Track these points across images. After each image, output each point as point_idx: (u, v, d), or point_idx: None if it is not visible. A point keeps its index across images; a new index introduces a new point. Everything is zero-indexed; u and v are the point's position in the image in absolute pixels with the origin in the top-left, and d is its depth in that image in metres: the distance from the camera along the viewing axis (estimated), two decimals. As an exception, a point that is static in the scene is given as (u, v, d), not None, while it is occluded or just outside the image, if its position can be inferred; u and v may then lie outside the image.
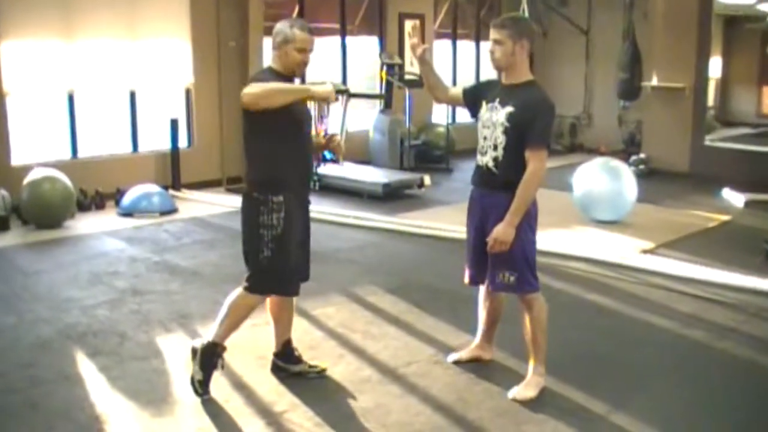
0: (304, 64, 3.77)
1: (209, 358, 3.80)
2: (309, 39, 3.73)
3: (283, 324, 4.05)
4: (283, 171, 3.70)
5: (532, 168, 3.64)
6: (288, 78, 3.75)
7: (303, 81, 3.93)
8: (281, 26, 3.73)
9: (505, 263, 3.74)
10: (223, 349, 3.84)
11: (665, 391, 3.97)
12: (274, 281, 3.78)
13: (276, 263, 3.72)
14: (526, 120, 3.64)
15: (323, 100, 3.79)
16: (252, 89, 3.53)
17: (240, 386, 3.93)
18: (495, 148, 3.74)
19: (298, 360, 4.09)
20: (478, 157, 3.84)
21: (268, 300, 3.99)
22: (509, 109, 3.68)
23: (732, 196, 8.75)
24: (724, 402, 3.89)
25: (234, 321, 3.85)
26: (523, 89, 3.73)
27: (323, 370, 4.09)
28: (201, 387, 3.78)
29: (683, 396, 3.94)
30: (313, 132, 4.15)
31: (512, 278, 3.75)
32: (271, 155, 3.69)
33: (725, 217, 7.86)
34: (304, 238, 3.89)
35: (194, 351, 3.83)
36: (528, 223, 3.75)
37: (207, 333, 3.96)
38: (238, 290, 3.83)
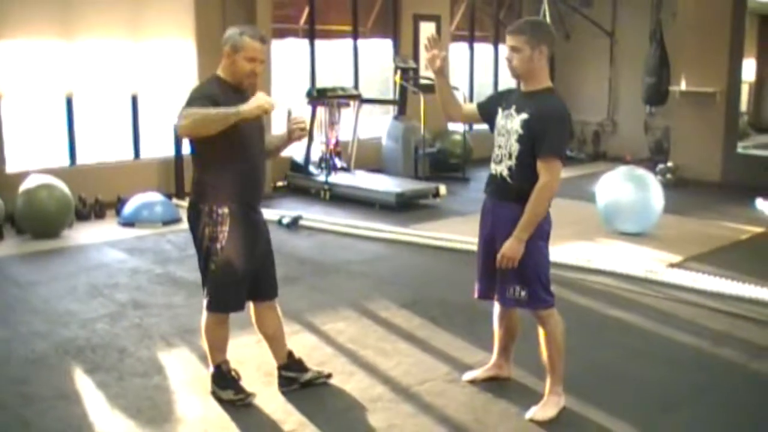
0: (254, 74, 3.71)
1: (224, 378, 3.96)
2: (260, 48, 3.69)
3: (276, 338, 4.11)
4: (229, 181, 3.70)
5: (543, 180, 3.63)
6: (236, 88, 3.71)
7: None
8: (231, 33, 3.71)
9: (515, 278, 3.74)
10: (226, 363, 3.98)
11: (695, 414, 3.95)
12: (223, 295, 3.82)
13: (221, 278, 3.77)
14: (539, 128, 3.64)
15: (257, 117, 3.60)
16: (185, 120, 3.48)
17: (246, 404, 3.93)
18: (510, 156, 3.74)
19: (306, 368, 4.15)
20: (492, 165, 3.85)
21: (253, 319, 4.07)
22: (524, 116, 3.69)
23: (766, 206, 8.71)
24: (760, 425, 3.86)
25: (215, 343, 3.96)
26: (539, 97, 3.73)
27: (330, 375, 4.20)
28: (241, 396, 3.92)
29: (714, 420, 3.91)
30: (323, 137, 4.13)
31: (523, 293, 3.75)
32: (216, 165, 3.70)
33: (759, 229, 7.82)
34: (258, 250, 3.86)
35: (214, 394, 3.98)
36: (540, 237, 3.75)
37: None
38: (204, 311, 3.92)
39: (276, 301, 4.08)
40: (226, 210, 3.70)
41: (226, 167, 3.69)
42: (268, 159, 4.02)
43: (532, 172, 3.66)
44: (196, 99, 3.61)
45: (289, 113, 3.89)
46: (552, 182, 3.64)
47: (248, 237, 3.79)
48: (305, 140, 8.33)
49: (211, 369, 4.01)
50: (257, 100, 3.54)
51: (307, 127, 4.00)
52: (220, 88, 3.68)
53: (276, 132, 4.17)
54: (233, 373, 4.01)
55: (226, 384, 3.96)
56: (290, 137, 3.93)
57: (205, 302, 3.88)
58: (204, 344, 4.02)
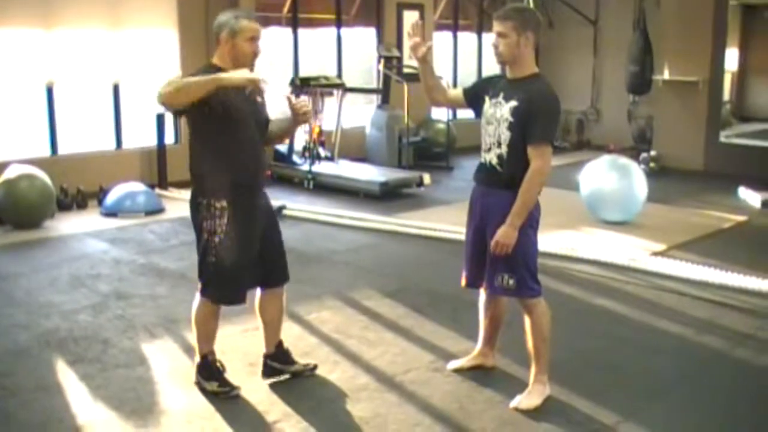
0: (255, 54, 3.73)
1: (208, 368, 3.95)
2: (258, 27, 3.72)
3: (273, 325, 4.10)
4: (226, 173, 3.69)
5: (534, 166, 3.64)
6: None
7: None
8: (225, 18, 3.70)
9: (504, 266, 3.74)
10: (213, 353, 3.96)
11: (678, 401, 3.97)
12: (221, 287, 3.82)
13: (220, 269, 3.76)
14: (529, 115, 3.64)
15: (239, 88, 3.59)
16: (166, 87, 3.46)
17: (231, 397, 3.91)
18: (499, 144, 3.74)
19: (292, 360, 4.14)
20: (482, 154, 3.85)
21: (256, 303, 4.03)
22: (513, 103, 3.69)
23: (749, 195, 8.77)
24: (741, 412, 3.89)
25: (205, 332, 3.94)
26: (528, 83, 3.73)
27: (315, 366, 4.19)
28: (226, 389, 3.91)
29: (697, 406, 3.94)
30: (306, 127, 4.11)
31: (511, 281, 3.76)
32: (213, 156, 3.69)
33: (741, 218, 7.87)
34: (256, 240, 3.85)
35: (199, 384, 3.96)
36: (530, 225, 3.76)
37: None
38: (197, 299, 3.91)
39: (284, 288, 4.05)
40: (224, 203, 3.69)
41: (223, 158, 3.68)
42: (276, 143, 3.99)
43: (522, 159, 3.66)
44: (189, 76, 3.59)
45: (290, 100, 3.88)
46: (544, 167, 3.65)
47: (248, 228, 3.78)
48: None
49: (197, 359, 3.99)
50: (243, 72, 3.54)
51: (310, 109, 4.00)
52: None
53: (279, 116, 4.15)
54: (219, 364, 4.00)
55: (210, 375, 3.94)
56: (296, 121, 3.95)
57: (199, 291, 3.86)
58: (192, 333, 4.00)
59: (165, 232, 7.20)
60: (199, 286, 3.87)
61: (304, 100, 4.00)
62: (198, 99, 3.47)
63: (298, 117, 3.90)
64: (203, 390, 3.93)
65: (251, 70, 3.67)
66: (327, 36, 10.82)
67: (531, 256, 3.81)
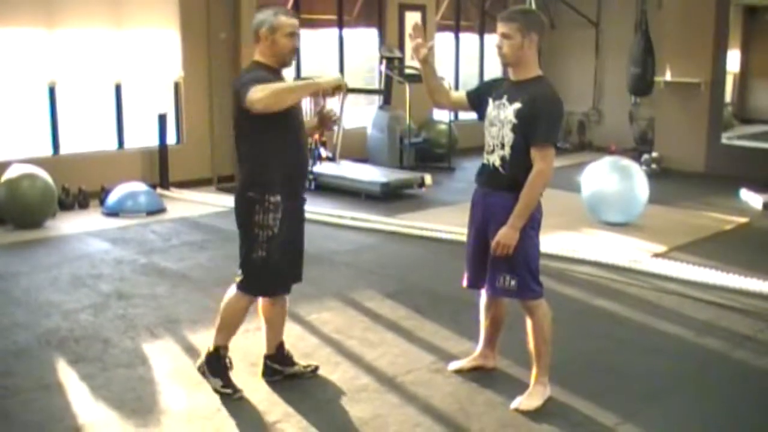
0: (294, 49, 3.81)
1: (216, 362, 3.94)
2: (295, 23, 3.80)
3: (276, 326, 4.10)
4: (279, 169, 3.75)
5: (537, 168, 3.65)
6: (277, 70, 3.80)
7: (281, 77, 3.93)
8: (264, 16, 3.77)
9: (506, 267, 3.74)
10: (226, 348, 3.95)
11: (678, 402, 3.97)
12: (266, 282, 3.86)
13: (269, 264, 3.78)
14: (533, 117, 3.65)
15: (335, 90, 3.79)
16: (262, 93, 3.53)
17: (233, 399, 3.92)
18: (503, 146, 3.74)
19: (293, 362, 4.14)
20: (485, 155, 3.86)
21: (259, 303, 4.03)
22: (517, 105, 3.69)
23: (750, 197, 8.76)
24: (741, 414, 3.89)
25: (230, 324, 3.95)
26: (531, 85, 3.73)
27: (316, 368, 4.19)
28: (228, 390, 3.90)
29: (697, 408, 3.94)
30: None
31: (513, 282, 3.76)
32: (267, 153, 3.73)
33: (743, 219, 7.87)
34: (299, 237, 3.94)
35: (201, 370, 3.97)
36: (531, 226, 3.76)
37: (208, 342, 4.02)
38: (231, 292, 3.90)
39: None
40: (278, 198, 3.74)
41: (278, 155, 3.74)
42: None
43: (525, 161, 3.67)
44: (257, 79, 3.62)
45: (322, 106, 3.99)
46: (547, 169, 3.65)
47: (295, 223, 3.87)
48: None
49: (210, 349, 3.95)
50: (330, 76, 3.77)
51: (339, 118, 4.11)
52: (266, 73, 3.71)
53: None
54: (228, 361, 3.97)
55: (217, 371, 3.93)
56: (321, 126, 4.07)
57: (237, 285, 3.86)
58: (217, 322, 3.95)
59: (166, 232, 7.20)
60: (238, 280, 3.87)
61: (333, 110, 4.08)
62: (291, 104, 3.64)
63: (326, 123, 4.04)
64: (205, 377, 3.93)
65: (290, 64, 3.85)
66: (329, 37, 10.82)
67: (532, 258, 3.81)
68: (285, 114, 3.67)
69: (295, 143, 3.81)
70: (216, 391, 3.91)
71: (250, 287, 3.87)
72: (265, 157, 3.74)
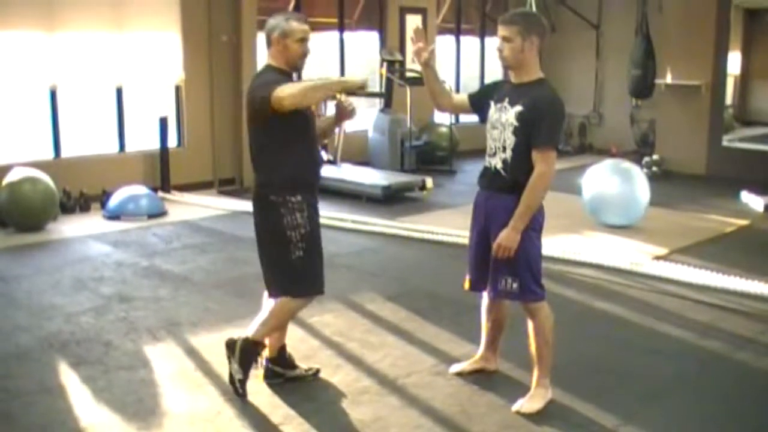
0: (305, 55, 3.88)
1: (249, 356, 3.91)
2: (307, 29, 3.87)
3: (281, 329, 4.09)
4: (298, 170, 3.83)
5: (539, 170, 3.65)
6: (289, 74, 3.87)
7: (300, 76, 4.02)
8: (276, 21, 3.84)
9: (508, 269, 3.75)
10: (264, 347, 3.96)
11: (679, 404, 3.98)
12: (313, 278, 3.91)
13: (310, 261, 3.85)
14: (534, 119, 3.65)
15: (360, 89, 3.85)
16: (289, 90, 3.59)
17: (232, 397, 3.92)
18: (504, 149, 3.75)
19: (294, 364, 4.15)
20: (487, 158, 3.86)
21: (263, 303, 4.04)
22: (519, 108, 3.70)
23: (751, 199, 8.76)
24: (741, 416, 3.89)
25: (277, 324, 3.97)
26: (533, 87, 3.74)
27: (318, 370, 4.20)
28: (242, 386, 3.89)
29: (698, 409, 3.94)
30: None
31: (514, 285, 3.76)
32: (286, 156, 3.79)
33: (744, 222, 7.87)
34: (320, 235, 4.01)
35: (231, 347, 3.89)
36: (533, 228, 3.76)
37: (247, 329, 3.95)
38: (279, 299, 3.89)
39: None
40: (299, 197, 3.79)
41: (296, 155, 3.81)
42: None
43: (527, 164, 3.67)
44: (275, 81, 3.69)
45: (340, 99, 4.01)
46: (548, 172, 3.66)
47: (317, 222, 3.93)
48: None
49: (251, 337, 3.87)
50: (356, 76, 3.86)
51: (355, 108, 4.11)
52: (280, 74, 3.79)
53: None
54: (260, 359, 4.00)
55: (247, 363, 3.88)
56: (340, 117, 4.08)
57: (285, 293, 3.86)
58: (264, 319, 3.90)
59: (168, 235, 7.21)
60: (284, 288, 3.87)
61: (351, 101, 4.08)
62: (319, 101, 3.74)
63: (344, 114, 4.03)
64: (228, 359, 3.89)
65: (301, 68, 3.94)
66: (330, 40, 10.83)
67: (534, 260, 3.82)
68: (303, 117, 3.76)
69: (311, 146, 3.91)
70: (230, 378, 3.90)
71: (299, 289, 3.89)
72: (286, 160, 3.79)
